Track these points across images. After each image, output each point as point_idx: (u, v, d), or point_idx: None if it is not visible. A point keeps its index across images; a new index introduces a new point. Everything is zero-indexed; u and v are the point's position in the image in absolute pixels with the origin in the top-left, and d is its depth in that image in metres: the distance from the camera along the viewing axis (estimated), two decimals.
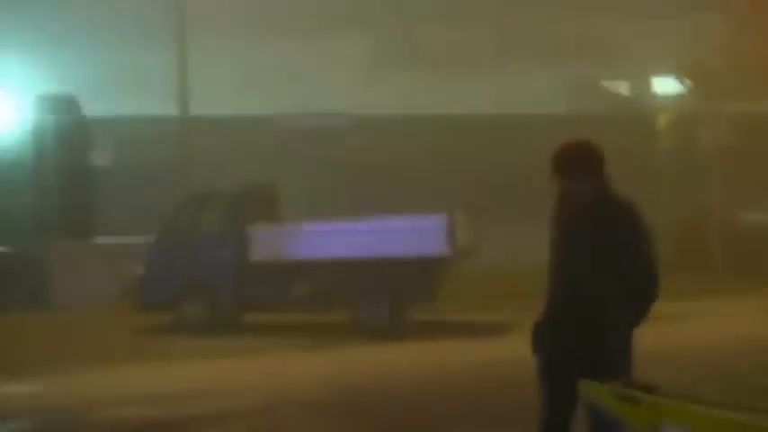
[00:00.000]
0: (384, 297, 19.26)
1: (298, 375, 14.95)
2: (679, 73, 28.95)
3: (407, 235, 19.22)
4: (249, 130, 26.71)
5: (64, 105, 24.88)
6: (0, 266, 22.78)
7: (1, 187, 23.76)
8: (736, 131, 27.35)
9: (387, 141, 27.66)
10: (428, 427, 11.59)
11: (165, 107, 25.94)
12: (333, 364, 15.92)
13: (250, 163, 24.59)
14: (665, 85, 29.95)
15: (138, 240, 21.52)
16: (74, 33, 27.21)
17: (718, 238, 27.33)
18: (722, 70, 26.16)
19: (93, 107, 25.13)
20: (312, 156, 27.39)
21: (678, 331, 16.96)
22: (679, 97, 29.52)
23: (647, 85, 30.80)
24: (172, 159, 25.70)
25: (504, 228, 24.31)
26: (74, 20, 27.34)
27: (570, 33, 31.26)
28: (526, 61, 30.41)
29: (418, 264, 19.04)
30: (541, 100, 29.43)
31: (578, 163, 6.97)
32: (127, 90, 26.54)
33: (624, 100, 32.73)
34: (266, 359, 16.87)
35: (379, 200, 22.87)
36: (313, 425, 11.93)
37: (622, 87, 33.52)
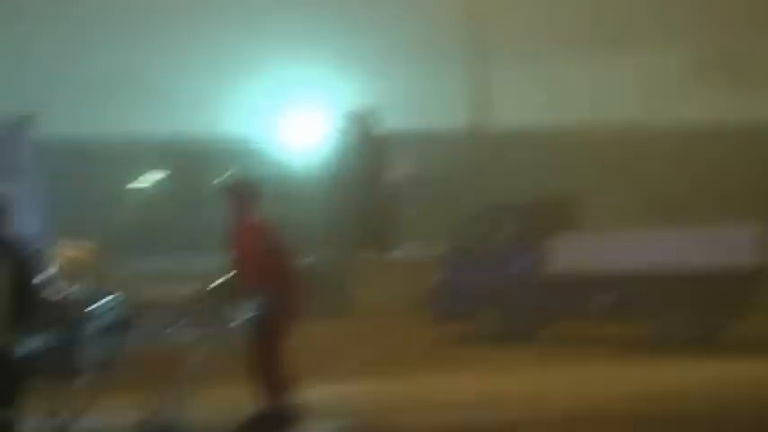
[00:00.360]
0: (689, 310, 18.28)
1: (596, 387, 14.16)
2: None
3: (715, 245, 18.28)
4: (554, 141, 25.89)
5: (365, 120, 24.74)
6: (306, 276, 22.72)
7: (307, 201, 23.80)
8: None
9: (698, 152, 26.49)
10: None
11: (461, 120, 25.54)
12: (633, 378, 15.03)
13: (551, 174, 23.83)
14: None
15: (435, 253, 21.20)
16: (375, 49, 27.00)
17: None
18: None
19: (392, 121, 24.83)
20: (624, 167, 26.41)
21: None
22: None
23: None
24: (468, 171, 25.22)
25: None
26: (376, 37, 27.15)
27: None
28: None
29: (727, 276, 18.03)
30: None
31: None
32: (424, 104, 26.16)
33: None
34: (563, 370, 16.06)
35: (685, 209, 21.81)
36: None
37: None
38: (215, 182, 11.53)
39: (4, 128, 13.78)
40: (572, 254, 19.14)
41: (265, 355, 11.27)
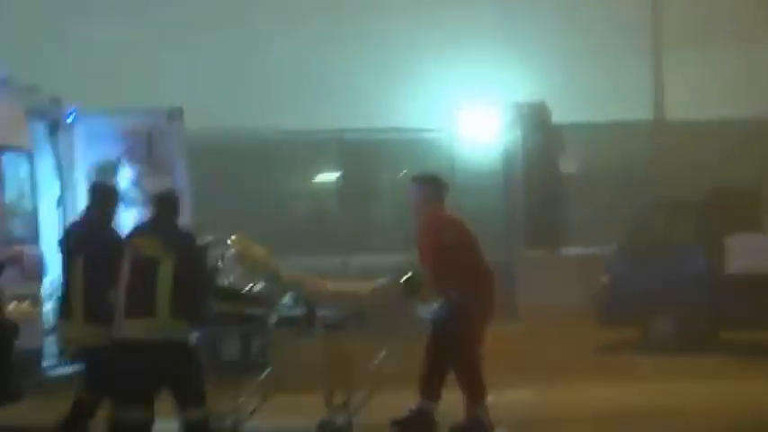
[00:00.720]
0: None
1: None
2: None
3: None
4: (730, 134, 24.75)
5: (536, 112, 24.05)
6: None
7: (475, 197, 23.23)
8: None
9: None
10: None
11: (637, 113, 24.75)
12: None
13: (730, 168, 22.72)
14: None
15: (605, 251, 20.28)
16: (544, 40, 26.24)
17: None
18: None
19: (563, 114, 24.09)
20: None
21: None
22: None
23: None
24: (642, 166, 24.43)
25: None
26: (546, 29, 26.38)
27: None
28: None
29: None
30: None
31: None
32: (597, 96, 25.31)
33: None
34: (740, 382, 15.01)
35: None
36: None
37: None
38: (400, 175, 11.14)
39: (157, 121, 13.66)
40: (750, 254, 18.00)
41: (459, 360, 10.96)
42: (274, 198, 23.50)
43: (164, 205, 10.76)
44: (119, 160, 13.36)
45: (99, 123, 13.30)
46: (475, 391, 10.95)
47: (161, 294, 10.08)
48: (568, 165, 24.31)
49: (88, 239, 10.93)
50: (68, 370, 12.65)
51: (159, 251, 10.25)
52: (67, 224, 11.89)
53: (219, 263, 10.80)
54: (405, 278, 10.89)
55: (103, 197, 11.22)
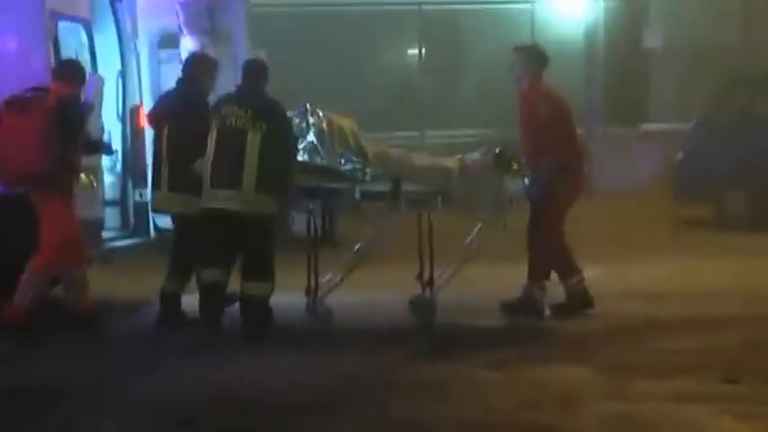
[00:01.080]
0: None
1: None
2: None
3: None
4: None
5: None
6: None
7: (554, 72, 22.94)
8: None
9: None
10: None
11: None
12: None
13: None
14: None
15: (684, 127, 19.97)
16: None
17: None
18: None
19: None
20: None
21: None
22: None
23: None
24: (729, 42, 23.75)
25: None
26: None
27: None
28: None
29: None
30: None
31: None
32: None
33: None
34: None
35: None
36: None
37: None
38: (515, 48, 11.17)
39: None
40: None
41: (546, 235, 10.81)
42: (353, 71, 23.22)
43: (252, 74, 10.71)
44: (180, 30, 13.33)
45: None
46: (567, 265, 10.95)
47: (248, 166, 10.13)
48: (652, 38, 23.93)
49: (178, 109, 10.99)
50: (129, 242, 12.87)
51: (248, 122, 10.22)
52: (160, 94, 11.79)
53: (306, 134, 10.63)
54: (496, 152, 10.75)
55: (198, 66, 11.22)
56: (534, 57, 11.12)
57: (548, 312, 11.13)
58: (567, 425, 7.69)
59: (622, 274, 13.03)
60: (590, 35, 23.65)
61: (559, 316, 11.05)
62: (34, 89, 10.65)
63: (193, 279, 10.95)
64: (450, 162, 10.91)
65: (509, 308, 11.14)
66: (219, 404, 8.25)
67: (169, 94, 11.56)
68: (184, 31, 13.36)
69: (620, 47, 23.47)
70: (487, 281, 12.04)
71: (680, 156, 19.27)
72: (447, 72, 24.35)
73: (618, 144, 22.12)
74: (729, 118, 18.86)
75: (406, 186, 10.62)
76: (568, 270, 11.05)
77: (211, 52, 13.28)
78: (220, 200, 10.26)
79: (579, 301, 11.09)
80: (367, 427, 7.75)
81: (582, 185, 11.18)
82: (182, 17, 13.30)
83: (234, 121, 10.21)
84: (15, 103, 10.59)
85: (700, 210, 18.84)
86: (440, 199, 10.65)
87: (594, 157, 21.69)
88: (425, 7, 24.28)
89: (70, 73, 11.03)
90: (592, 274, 11.74)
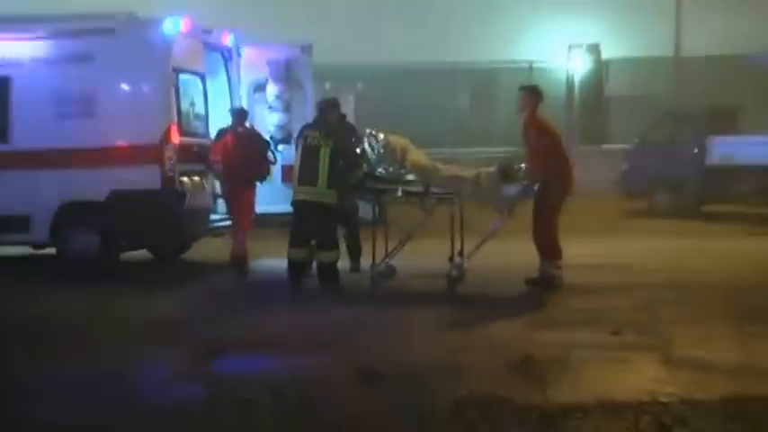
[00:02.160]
0: None
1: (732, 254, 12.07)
2: None
3: None
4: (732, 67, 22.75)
5: (590, 51, 22.70)
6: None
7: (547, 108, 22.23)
8: None
9: None
10: None
11: (664, 49, 23.15)
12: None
13: (727, 93, 20.89)
14: None
15: (628, 146, 19.07)
16: None
17: None
18: None
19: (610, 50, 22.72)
20: None
21: None
22: None
23: None
24: (662, 88, 22.82)
25: None
26: None
27: None
28: None
29: None
30: None
31: None
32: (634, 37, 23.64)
33: None
34: (711, 240, 13.73)
35: None
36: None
37: None
38: (520, 87, 10.25)
39: (293, 53, 12.99)
40: (726, 150, 16.61)
41: (544, 224, 9.86)
42: (415, 110, 22.53)
43: (322, 108, 10.48)
44: (267, 80, 12.77)
45: (254, 54, 12.63)
46: (549, 250, 9.84)
47: (321, 170, 9.90)
48: (611, 87, 23.16)
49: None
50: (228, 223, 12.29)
51: (320, 140, 10.01)
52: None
53: (370, 149, 10.15)
54: (500, 167, 9.94)
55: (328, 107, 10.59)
56: (532, 93, 10.14)
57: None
58: (481, 364, 6.95)
59: (573, 249, 12.08)
60: (569, 83, 22.88)
61: (530, 286, 9.91)
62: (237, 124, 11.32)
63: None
64: (466, 172, 10.15)
65: (531, 282, 9.94)
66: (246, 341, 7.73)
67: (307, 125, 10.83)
68: (270, 80, 12.71)
69: (588, 92, 22.55)
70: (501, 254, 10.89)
71: (624, 166, 18.31)
72: (484, 108, 23.88)
73: (586, 158, 21.11)
74: (659, 140, 17.92)
75: (434, 188, 10.01)
76: (550, 256, 9.97)
77: (287, 94, 12.69)
78: (303, 193, 10.05)
79: (546, 282, 9.86)
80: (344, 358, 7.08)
81: (569, 187, 10.06)
82: (268, 71, 12.65)
83: (312, 140, 10.02)
84: (240, 134, 11.23)
85: (638, 204, 17.87)
86: (455, 197, 9.93)
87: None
88: (460, 66, 23.73)
89: (242, 113, 11.45)
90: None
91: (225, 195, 11.57)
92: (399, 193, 10.14)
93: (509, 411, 5.90)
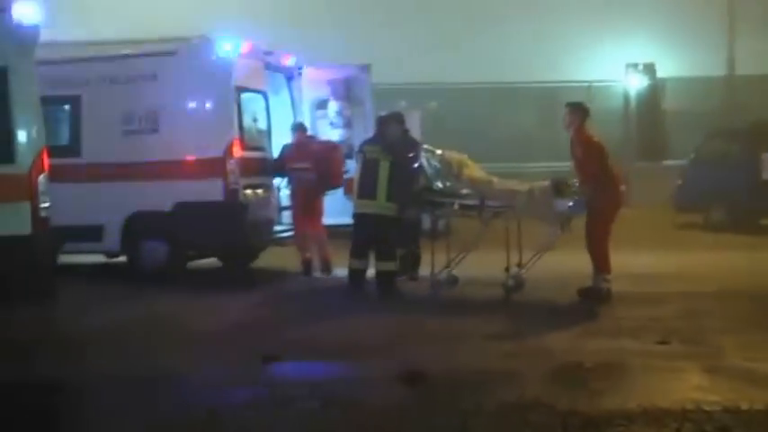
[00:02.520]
0: None
1: None
2: None
3: None
4: None
5: (646, 69, 22.35)
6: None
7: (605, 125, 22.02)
8: None
9: None
10: None
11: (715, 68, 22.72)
12: None
13: None
14: None
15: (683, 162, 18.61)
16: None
17: None
18: None
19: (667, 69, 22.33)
20: None
21: None
22: None
23: None
24: (715, 105, 22.34)
25: None
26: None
27: None
28: None
29: None
30: None
31: None
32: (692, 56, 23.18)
33: None
34: (762, 253, 13.15)
35: None
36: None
37: None
38: (566, 104, 10.05)
39: (353, 72, 13.14)
40: None
41: (595, 237, 9.61)
42: (482, 127, 22.41)
43: (381, 124, 10.58)
44: (328, 98, 12.81)
45: (315, 73, 12.71)
46: (599, 264, 9.56)
47: (380, 184, 9.95)
48: (667, 102, 22.70)
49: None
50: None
51: (380, 155, 10.08)
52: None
53: (427, 164, 10.23)
54: (553, 182, 9.82)
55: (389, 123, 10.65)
56: (578, 110, 9.94)
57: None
58: (529, 370, 6.82)
59: (625, 261, 11.82)
60: (626, 101, 22.51)
61: (581, 298, 9.64)
62: (308, 136, 11.82)
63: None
64: (520, 186, 10.03)
65: (583, 293, 9.67)
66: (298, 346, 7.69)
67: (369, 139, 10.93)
68: (331, 98, 12.77)
69: (645, 110, 22.16)
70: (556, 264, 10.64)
71: (680, 181, 17.91)
72: (548, 125, 23.79)
73: (644, 173, 20.79)
74: (713, 156, 17.41)
75: (489, 202, 9.94)
76: (602, 267, 9.63)
77: (348, 111, 12.72)
78: (363, 206, 10.12)
79: (596, 294, 9.54)
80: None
81: (618, 202, 9.76)
82: (329, 89, 12.72)
83: (371, 155, 10.11)
84: (325, 144, 11.87)
85: (693, 218, 17.40)
86: (509, 211, 9.84)
87: (631, 181, 20.84)
88: (524, 86, 23.53)
89: (300, 126, 11.79)
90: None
91: (298, 203, 11.65)
92: (456, 207, 10.11)
93: (552, 417, 5.80)
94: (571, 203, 9.66)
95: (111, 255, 11.94)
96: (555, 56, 23.61)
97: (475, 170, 10.26)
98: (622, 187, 9.92)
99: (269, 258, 12.56)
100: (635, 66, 22.40)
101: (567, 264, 10.39)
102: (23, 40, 7.62)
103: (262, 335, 8.25)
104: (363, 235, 10.13)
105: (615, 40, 23.78)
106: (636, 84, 22.37)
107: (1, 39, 7.55)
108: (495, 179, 10.23)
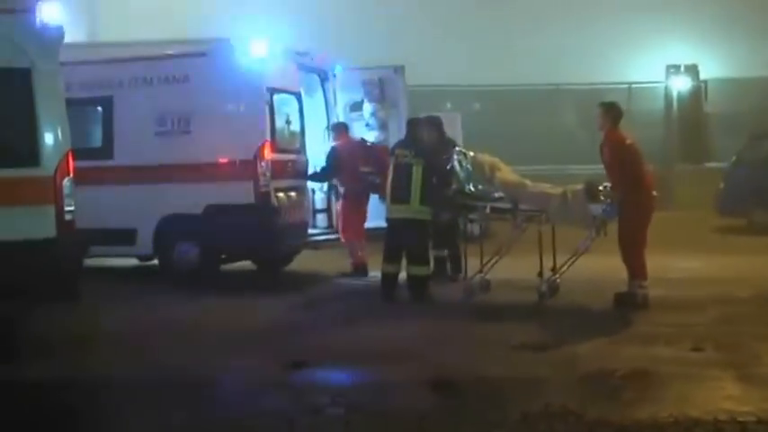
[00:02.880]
0: None
1: None
2: None
3: None
4: None
5: (688, 70, 21.95)
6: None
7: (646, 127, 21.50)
8: None
9: None
10: None
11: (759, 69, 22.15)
12: None
13: None
14: None
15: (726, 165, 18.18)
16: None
17: None
18: None
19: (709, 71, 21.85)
20: None
21: None
22: None
23: None
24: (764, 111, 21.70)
25: None
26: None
27: None
28: None
29: None
30: None
31: None
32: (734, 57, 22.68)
33: None
34: None
35: None
36: None
37: None
38: (599, 104, 9.78)
39: (387, 74, 12.90)
40: None
41: (627, 242, 9.27)
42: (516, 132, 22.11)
43: (412, 127, 10.44)
44: (362, 100, 12.68)
45: (350, 75, 12.57)
46: (634, 269, 9.26)
47: (414, 188, 9.84)
48: (710, 105, 22.24)
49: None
50: (332, 236, 12.23)
51: (412, 159, 9.96)
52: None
53: (459, 166, 10.03)
54: (587, 185, 9.51)
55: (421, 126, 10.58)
56: (611, 110, 9.60)
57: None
58: (560, 377, 6.62)
59: (664, 265, 11.50)
60: (668, 103, 22.13)
61: (616, 303, 9.34)
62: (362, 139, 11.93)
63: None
64: (553, 190, 9.74)
65: (618, 299, 9.35)
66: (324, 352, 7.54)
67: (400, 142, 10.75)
68: (365, 99, 12.65)
69: (687, 112, 21.73)
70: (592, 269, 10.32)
71: (722, 184, 17.39)
72: (588, 128, 23.46)
73: (686, 176, 20.40)
74: (756, 159, 16.93)
75: (522, 205, 9.73)
76: (635, 274, 9.34)
77: (382, 114, 12.57)
78: (396, 211, 10.02)
79: (631, 300, 9.23)
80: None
81: (650, 207, 9.38)
82: (363, 91, 12.61)
83: (402, 158, 9.99)
84: (379, 146, 11.82)
85: (737, 222, 16.83)
86: (542, 215, 9.61)
87: (672, 184, 20.49)
88: (563, 88, 23.21)
89: (342, 127, 11.85)
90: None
91: (363, 207, 11.62)
92: (488, 210, 9.92)
93: (579, 425, 5.59)
94: (604, 207, 9.40)
95: (143, 258, 11.91)
96: (595, 57, 23.29)
97: (507, 173, 10.07)
98: (655, 192, 9.59)
99: (304, 262, 12.46)
100: (677, 67, 22.04)
101: (601, 268, 10.15)
102: (47, 41, 7.54)
103: (291, 339, 8.14)
104: (396, 240, 10.00)
105: (656, 40, 23.45)
106: (678, 85, 22.01)
107: (25, 40, 7.47)
108: (528, 182, 10.03)
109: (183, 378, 6.81)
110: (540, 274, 9.62)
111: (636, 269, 9.28)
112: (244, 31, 11.67)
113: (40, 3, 7.48)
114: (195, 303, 9.82)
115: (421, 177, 9.78)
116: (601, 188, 9.53)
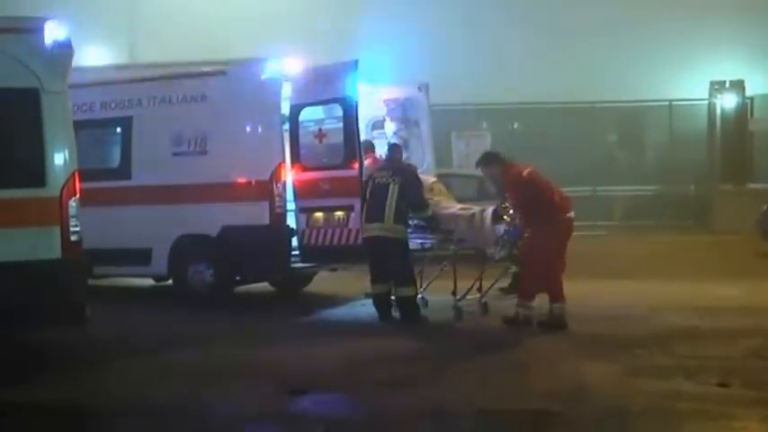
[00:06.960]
0: None
1: None
2: None
3: None
4: None
5: (733, 87, 21.61)
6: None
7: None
8: None
9: None
10: None
11: None
12: None
13: None
14: None
15: None
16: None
17: None
18: None
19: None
20: None
21: None
22: None
23: None
24: None
25: None
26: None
27: None
28: None
29: None
30: None
31: None
32: None
33: None
34: None
35: None
36: None
37: None
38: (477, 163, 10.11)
39: (409, 92, 12.55)
40: None
41: (527, 259, 9.47)
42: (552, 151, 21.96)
43: (393, 150, 10.74)
44: (384, 118, 12.62)
45: (372, 92, 12.47)
46: (522, 288, 9.48)
47: (388, 206, 9.97)
48: (754, 124, 21.83)
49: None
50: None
51: (389, 179, 10.15)
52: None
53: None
54: (493, 208, 9.87)
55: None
56: (489, 161, 9.86)
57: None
58: (572, 411, 6.44)
59: (698, 291, 11.27)
60: (711, 120, 21.76)
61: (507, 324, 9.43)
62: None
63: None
64: (463, 212, 10.17)
65: (505, 319, 9.51)
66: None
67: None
68: (387, 119, 12.58)
69: (731, 129, 21.39)
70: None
71: (765, 206, 16.91)
72: (630, 146, 23.84)
73: (728, 197, 20.06)
74: None
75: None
76: (524, 294, 9.43)
77: (404, 134, 12.49)
78: (372, 230, 10.09)
79: (521, 322, 9.33)
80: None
81: (565, 230, 9.40)
82: (386, 110, 12.54)
83: (381, 179, 10.17)
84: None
85: None
86: (454, 236, 10.13)
87: (713, 205, 20.17)
88: (603, 105, 23.04)
89: (369, 145, 11.61)
90: (672, 289, 10.45)
91: None
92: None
93: None
94: (506, 228, 9.75)
95: (158, 279, 11.94)
96: (634, 74, 23.07)
97: (439, 194, 10.59)
98: (570, 214, 9.53)
99: (323, 284, 12.43)
100: (722, 83, 21.70)
101: (624, 295, 10.02)
102: (56, 60, 7.57)
103: (290, 365, 8.01)
104: (376, 259, 10.09)
105: (700, 56, 23.15)
106: (722, 102, 21.67)
107: (32, 60, 7.50)
108: (445, 203, 10.46)
109: (178, 403, 6.78)
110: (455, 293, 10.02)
111: (524, 288, 9.45)
112: (270, 50, 11.71)
113: (48, 23, 7.56)
114: (205, 325, 9.82)
115: (397, 195, 9.95)
116: (506, 206, 9.78)
